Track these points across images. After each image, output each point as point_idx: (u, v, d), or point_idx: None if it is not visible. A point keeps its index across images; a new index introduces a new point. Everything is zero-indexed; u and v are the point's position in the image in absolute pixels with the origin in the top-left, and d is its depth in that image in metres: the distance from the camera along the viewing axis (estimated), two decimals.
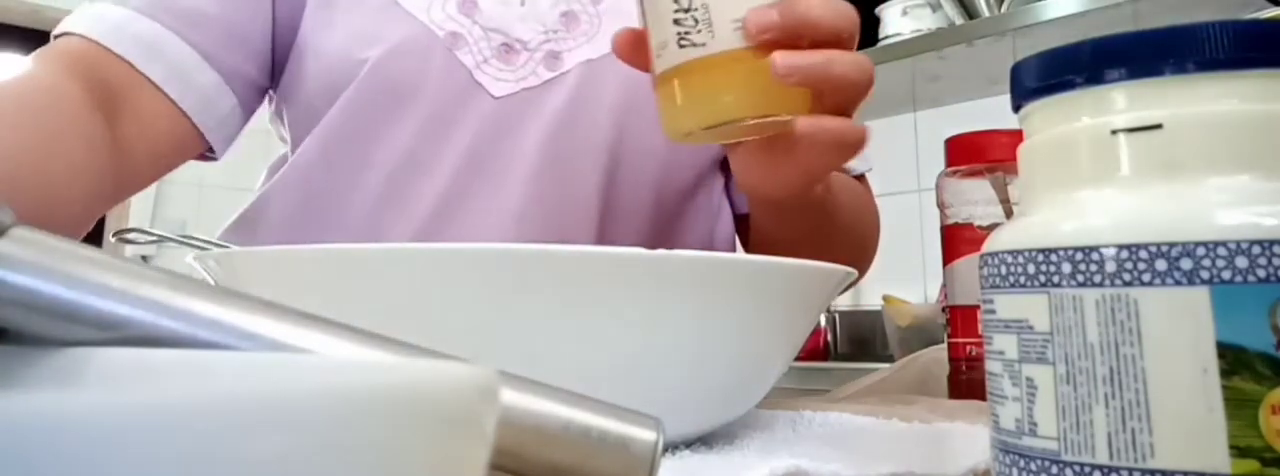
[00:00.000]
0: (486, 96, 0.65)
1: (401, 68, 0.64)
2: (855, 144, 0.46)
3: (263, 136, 0.75)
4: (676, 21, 0.43)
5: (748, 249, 0.79)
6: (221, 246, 0.61)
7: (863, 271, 0.75)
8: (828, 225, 0.65)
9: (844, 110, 0.46)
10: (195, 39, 0.62)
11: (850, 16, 0.44)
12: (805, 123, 0.43)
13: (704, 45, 0.42)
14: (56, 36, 0.62)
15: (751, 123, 0.43)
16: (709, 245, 0.73)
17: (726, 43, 0.42)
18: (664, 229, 0.69)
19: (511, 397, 0.20)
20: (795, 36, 0.42)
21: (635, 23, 0.69)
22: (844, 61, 0.43)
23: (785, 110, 0.43)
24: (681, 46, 0.43)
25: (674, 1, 0.43)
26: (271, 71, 0.70)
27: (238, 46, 0.65)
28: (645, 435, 0.20)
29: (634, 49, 0.47)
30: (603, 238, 0.65)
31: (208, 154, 0.67)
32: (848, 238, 0.70)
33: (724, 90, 0.43)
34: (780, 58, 0.41)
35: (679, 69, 0.43)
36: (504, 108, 0.65)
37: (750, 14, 0.41)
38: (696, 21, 0.42)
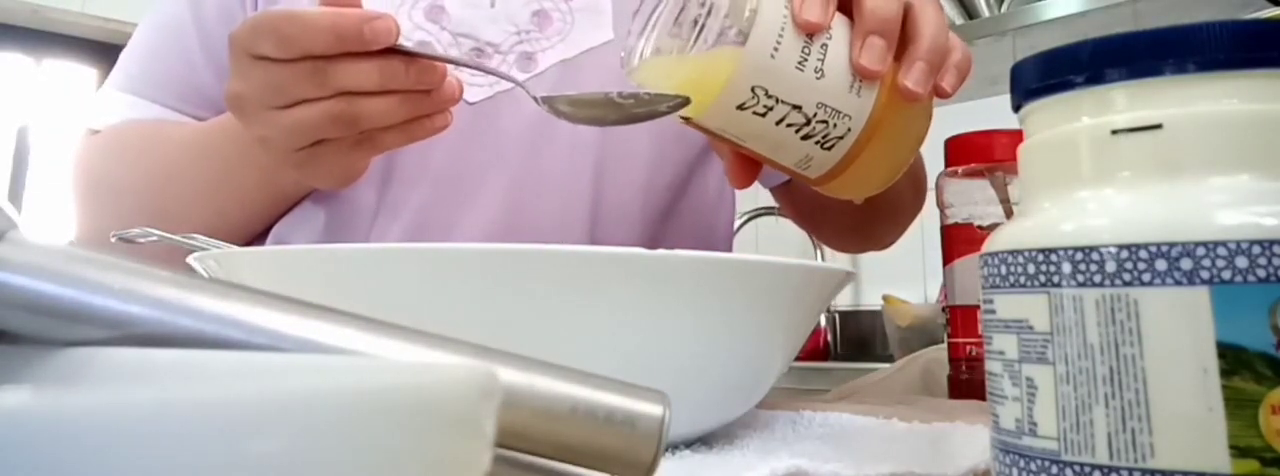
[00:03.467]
0: (461, 102, 0.65)
1: None
2: (970, 62, 0.48)
3: None
4: (807, 136, 0.42)
5: (788, 206, 0.80)
6: (221, 246, 0.61)
7: (922, 200, 0.79)
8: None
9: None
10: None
11: None
12: (946, 90, 0.45)
13: (849, 130, 0.42)
14: (93, 131, 0.68)
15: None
16: (708, 239, 0.73)
17: (862, 110, 0.42)
18: (657, 226, 0.68)
19: (516, 378, 0.20)
20: (894, 45, 0.43)
21: (609, 22, 0.68)
22: (929, 32, 0.43)
23: (931, 111, 0.44)
24: (829, 148, 0.42)
25: (790, 127, 0.41)
26: None
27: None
28: (652, 411, 0.20)
29: (751, 176, 0.48)
30: (595, 238, 0.65)
31: None
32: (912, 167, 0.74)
33: (895, 145, 0.43)
34: (908, 87, 0.42)
35: (841, 163, 0.43)
36: (480, 112, 0.65)
37: (861, 59, 0.41)
38: (826, 122, 0.41)
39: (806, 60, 0.40)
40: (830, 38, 0.41)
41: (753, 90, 0.40)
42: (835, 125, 0.41)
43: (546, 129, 0.65)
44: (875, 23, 0.42)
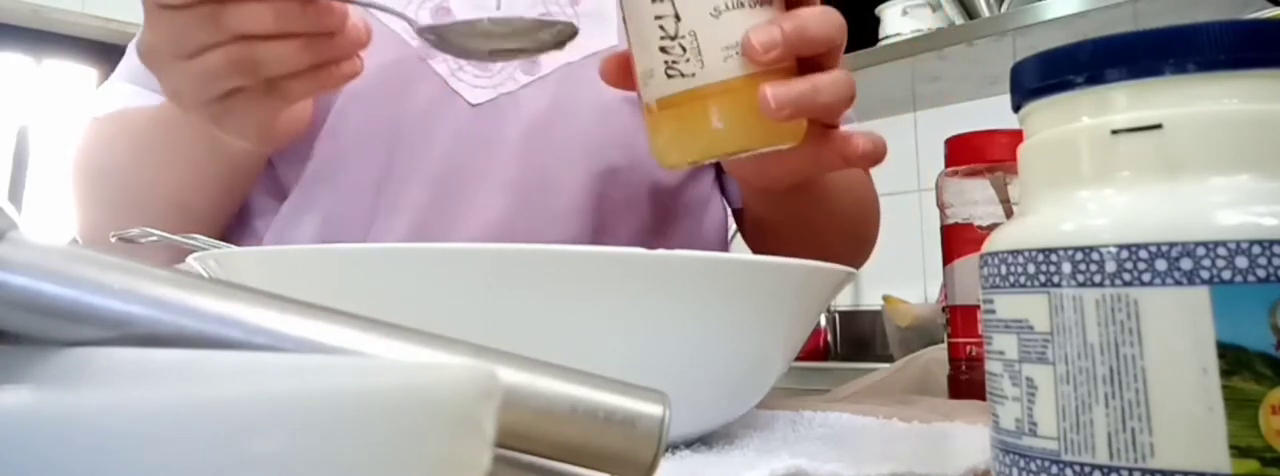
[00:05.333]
0: (463, 104, 0.65)
1: (372, 79, 0.64)
2: (856, 155, 0.47)
3: None
4: (663, 49, 0.41)
5: (744, 238, 0.78)
6: (221, 246, 0.62)
7: (863, 256, 0.75)
8: (821, 210, 0.65)
9: (831, 121, 0.47)
10: None
11: (840, 24, 0.44)
12: (806, 163, 0.45)
13: (693, 76, 0.41)
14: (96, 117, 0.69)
15: (745, 153, 0.43)
16: (698, 237, 0.73)
17: (717, 73, 0.41)
18: (656, 228, 0.68)
19: (516, 378, 0.20)
20: (794, 53, 0.42)
21: (614, 27, 0.69)
22: (831, 85, 0.43)
23: (779, 141, 0.42)
24: (670, 77, 0.41)
25: (660, 28, 0.41)
26: None
27: None
28: (652, 411, 0.20)
29: (620, 74, 0.47)
30: (596, 241, 0.65)
31: None
32: (842, 222, 0.70)
33: (716, 124, 0.41)
34: (772, 93, 0.40)
35: (668, 100, 0.42)
36: (482, 114, 0.65)
37: (754, 32, 0.40)
38: (684, 49, 0.41)
39: None
40: (754, 4, 0.41)
41: None
42: (687, 60, 0.41)
43: (548, 131, 0.65)
44: (794, 24, 0.41)
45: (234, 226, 0.70)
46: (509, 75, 0.66)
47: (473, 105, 0.65)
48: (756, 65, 0.41)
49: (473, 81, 0.65)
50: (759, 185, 0.58)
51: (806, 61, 0.43)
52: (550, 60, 0.66)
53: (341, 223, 0.64)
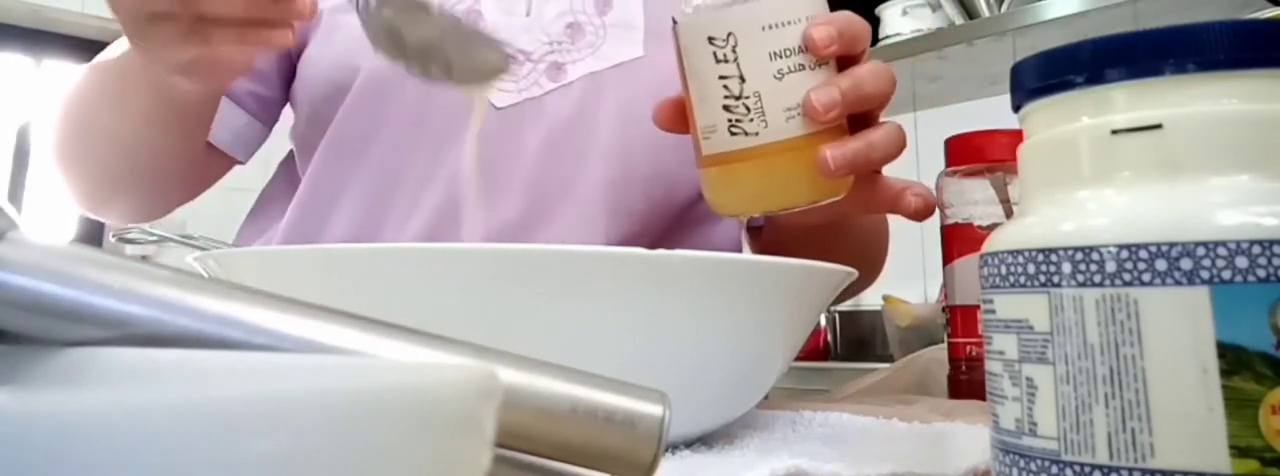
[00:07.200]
0: (489, 107, 0.65)
1: (399, 79, 0.64)
2: (908, 213, 0.48)
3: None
4: (727, 108, 0.43)
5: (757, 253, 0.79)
6: (221, 246, 0.62)
7: (873, 275, 0.75)
8: (841, 236, 0.66)
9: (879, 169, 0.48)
10: None
11: (892, 78, 0.45)
12: (854, 205, 0.46)
13: (756, 134, 0.42)
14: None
15: (798, 207, 0.45)
16: (709, 248, 0.73)
17: (779, 132, 0.42)
18: (670, 235, 0.69)
19: (517, 378, 0.20)
20: (851, 110, 0.43)
21: (641, 38, 0.69)
22: (883, 141, 0.44)
23: (831, 195, 0.44)
24: (733, 134, 0.43)
25: (724, 88, 0.42)
26: (287, 82, 0.71)
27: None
28: (651, 411, 0.20)
29: (675, 118, 0.48)
30: (610, 245, 0.65)
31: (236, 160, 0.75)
32: (858, 246, 0.71)
33: (776, 180, 0.43)
34: (831, 155, 0.42)
35: (730, 155, 0.43)
36: (505, 118, 0.65)
37: (815, 94, 0.42)
38: (748, 109, 0.42)
39: (783, 57, 0.42)
40: (814, 65, 0.43)
41: (728, 35, 0.42)
42: (751, 119, 0.42)
43: (569, 138, 0.65)
44: (851, 83, 0.42)
45: (255, 227, 0.71)
46: (534, 81, 0.66)
47: (497, 108, 0.65)
48: (816, 124, 0.42)
49: (499, 85, 0.65)
50: (797, 222, 0.60)
51: (857, 113, 0.45)
52: (576, 69, 0.67)
53: (366, 220, 0.65)
